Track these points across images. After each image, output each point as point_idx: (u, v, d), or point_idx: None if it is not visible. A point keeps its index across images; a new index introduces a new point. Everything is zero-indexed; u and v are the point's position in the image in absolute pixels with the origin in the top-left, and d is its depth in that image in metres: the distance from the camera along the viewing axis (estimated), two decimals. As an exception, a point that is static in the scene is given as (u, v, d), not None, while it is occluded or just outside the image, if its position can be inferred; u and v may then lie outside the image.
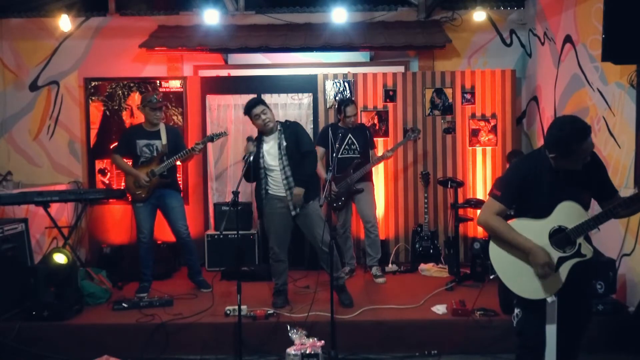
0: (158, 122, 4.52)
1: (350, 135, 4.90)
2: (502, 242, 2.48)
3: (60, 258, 4.03)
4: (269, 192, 4.04)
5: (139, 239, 4.52)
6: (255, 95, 5.79)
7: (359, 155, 4.92)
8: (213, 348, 3.73)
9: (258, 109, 3.95)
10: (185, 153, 4.44)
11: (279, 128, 4.04)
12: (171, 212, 4.53)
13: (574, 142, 2.28)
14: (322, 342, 3.36)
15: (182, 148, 4.52)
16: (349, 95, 5.67)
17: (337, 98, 5.63)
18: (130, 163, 4.54)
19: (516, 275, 2.46)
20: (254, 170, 3.94)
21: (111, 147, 5.65)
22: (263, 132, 4.04)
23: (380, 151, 5.37)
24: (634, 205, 2.31)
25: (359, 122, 5.49)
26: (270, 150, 4.01)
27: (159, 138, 4.50)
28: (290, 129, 4.05)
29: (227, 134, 4.75)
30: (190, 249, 4.65)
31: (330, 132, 4.94)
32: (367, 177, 5.02)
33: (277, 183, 4.01)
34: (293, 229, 4.17)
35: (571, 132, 2.28)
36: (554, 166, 2.41)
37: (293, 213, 4.00)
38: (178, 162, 4.55)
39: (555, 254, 2.40)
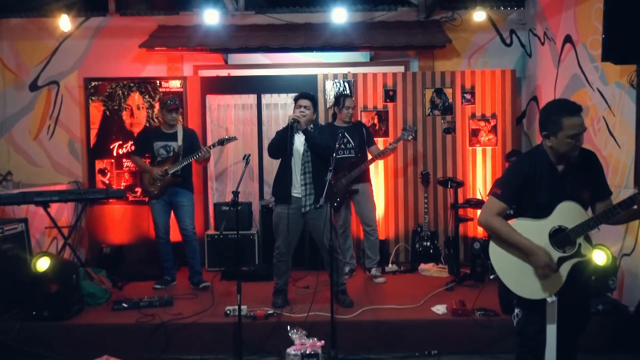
0: (175, 124, 4.71)
1: (346, 134, 4.86)
2: (503, 242, 2.48)
3: (43, 264, 3.95)
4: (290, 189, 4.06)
5: (156, 235, 4.75)
6: (255, 96, 5.88)
7: (354, 155, 4.90)
8: (213, 348, 3.73)
9: (304, 102, 4.08)
10: (197, 154, 4.57)
11: (311, 127, 4.11)
12: (180, 209, 4.69)
13: (563, 116, 2.35)
14: (322, 342, 3.36)
15: (197, 149, 4.65)
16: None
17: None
18: (148, 163, 4.74)
19: (516, 275, 2.46)
20: (284, 150, 4.01)
21: (111, 147, 5.68)
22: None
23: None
24: (633, 206, 2.31)
25: (358, 119, 5.48)
26: (298, 143, 4.07)
27: (176, 139, 4.69)
28: (320, 130, 4.21)
29: (236, 139, 4.89)
30: (193, 249, 4.74)
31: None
32: (365, 178, 4.98)
33: (296, 177, 4.02)
34: (302, 231, 4.19)
35: (560, 105, 2.41)
36: (551, 158, 2.44)
37: (303, 210, 3.97)
38: (188, 162, 4.64)
39: (556, 254, 2.40)
